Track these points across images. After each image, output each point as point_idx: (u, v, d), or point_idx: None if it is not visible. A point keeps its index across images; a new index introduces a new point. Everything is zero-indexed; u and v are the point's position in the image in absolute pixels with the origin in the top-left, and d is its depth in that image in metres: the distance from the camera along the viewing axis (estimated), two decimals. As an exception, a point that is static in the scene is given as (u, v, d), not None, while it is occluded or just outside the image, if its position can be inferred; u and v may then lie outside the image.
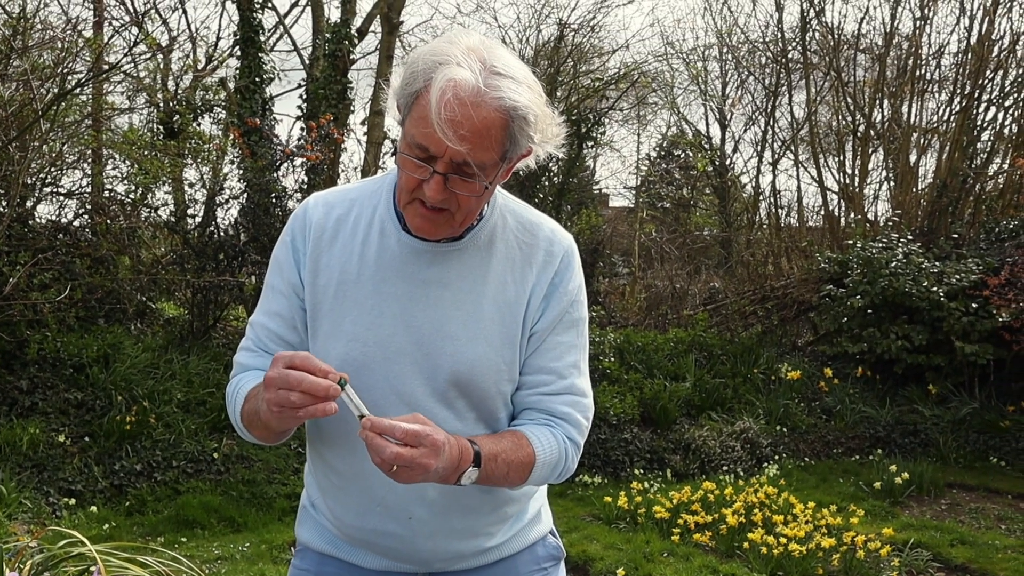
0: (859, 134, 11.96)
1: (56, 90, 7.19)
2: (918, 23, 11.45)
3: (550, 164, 12.13)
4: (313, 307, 1.68)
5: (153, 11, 12.11)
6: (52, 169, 7.81)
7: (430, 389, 1.63)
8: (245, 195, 8.31)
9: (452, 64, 1.45)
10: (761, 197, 15.29)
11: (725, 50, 16.52)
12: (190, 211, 8.62)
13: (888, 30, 11.82)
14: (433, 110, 1.42)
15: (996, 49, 10.81)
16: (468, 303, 1.65)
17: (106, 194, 8.75)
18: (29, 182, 7.27)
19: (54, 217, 7.96)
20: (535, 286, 1.68)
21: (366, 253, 1.66)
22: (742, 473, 7.24)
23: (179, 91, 13.29)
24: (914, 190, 11.28)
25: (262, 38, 11.28)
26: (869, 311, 8.56)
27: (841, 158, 12.17)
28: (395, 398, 1.62)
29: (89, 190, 8.63)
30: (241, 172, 8.66)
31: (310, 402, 1.40)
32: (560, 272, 1.70)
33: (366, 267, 1.65)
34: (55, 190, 8.02)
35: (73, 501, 5.62)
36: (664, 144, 20.86)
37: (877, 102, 11.88)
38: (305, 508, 1.87)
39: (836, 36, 12.29)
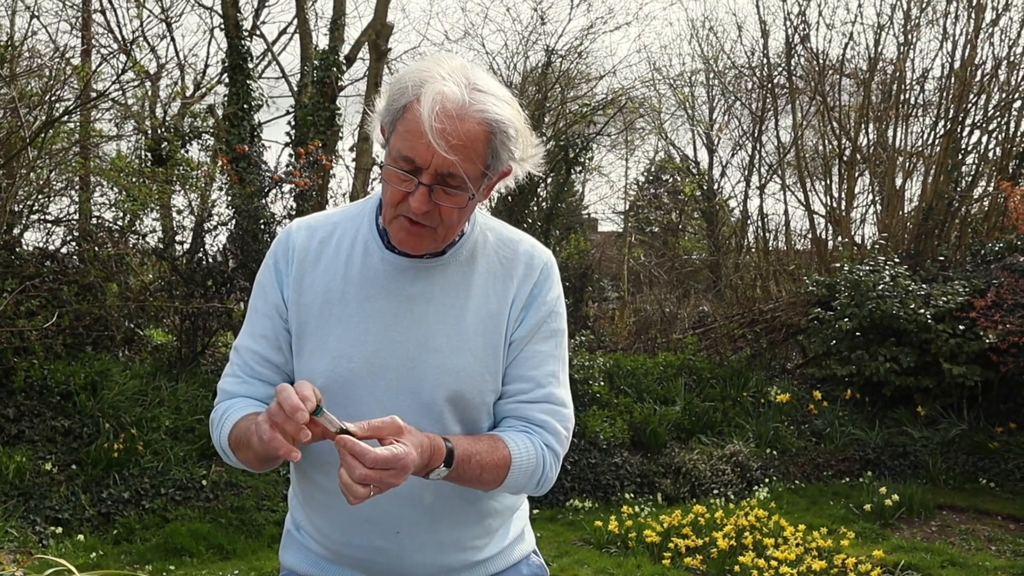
0: (845, 158, 12.05)
1: (44, 118, 7.20)
2: (902, 48, 11.58)
3: (539, 189, 12.18)
4: (298, 327, 1.70)
5: (141, 39, 12.16)
6: (39, 196, 7.79)
7: (416, 402, 1.66)
8: (233, 221, 8.30)
9: (438, 79, 1.52)
10: (749, 221, 15.35)
11: (711, 75, 16.64)
12: (178, 238, 8.61)
13: (872, 55, 11.96)
14: (426, 121, 1.48)
15: (979, 74, 10.96)
16: (452, 317, 1.68)
17: (94, 221, 8.74)
18: (16, 209, 7.26)
19: (41, 244, 7.94)
20: (515, 297, 1.72)
21: (350, 272, 1.70)
22: (732, 496, 7.23)
23: (167, 118, 13.32)
24: (900, 213, 11.37)
25: (250, 65, 11.33)
26: (857, 334, 8.59)
27: (828, 182, 12.26)
28: (382, 412, 1.62)
29: (77, 217, 8.61)
30: (229, 199, 8.65)
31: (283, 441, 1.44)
32: (539, 283, 1.75)
33: (350, 285, 1.69)
34: (42, 217, 8.01)
35: (60, 530, 5.56)
36: (652, 169, 20.97)
37: (863, 126, 11.99)
38: (289, 532, 1.88)
39: (821, 61, 12.41)
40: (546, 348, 1.74)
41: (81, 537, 5.55)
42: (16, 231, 7.46)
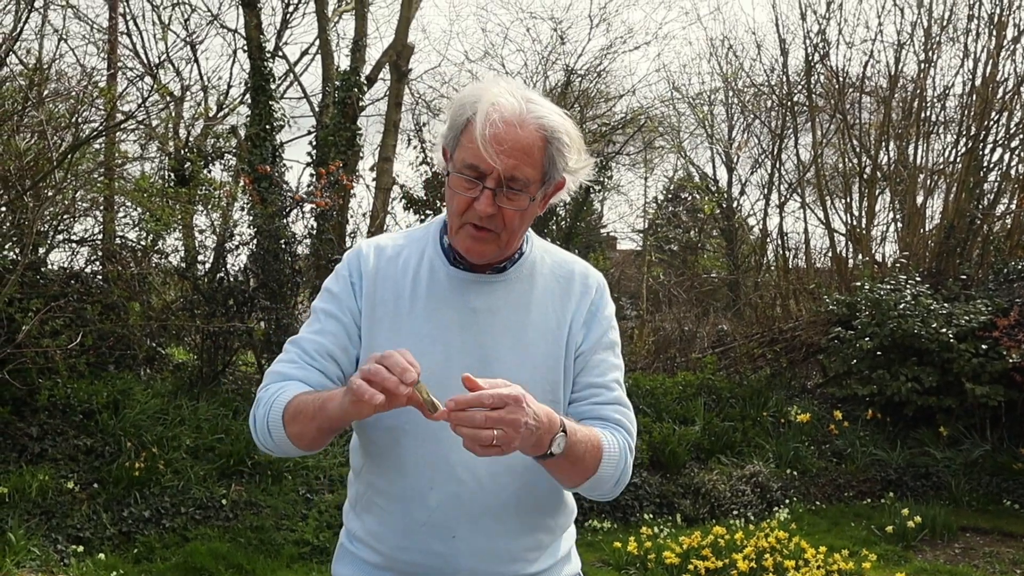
0: (865, 176, 11.99)
1: (71, 139, 7.29)
2: (922, 65, 11.54)
3: (558, 208, 12.19)
4: (368, 339, 1.79)
5: (167, 62, 12.32)
6: (65, 217, 7.89)
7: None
8: (255, 241, 8.37)
9: (496, 94, 1.66)
10: (768, 239, 15.30)
11: (731, 94, 16.66)
12: (200, 257, 8.68)
13: (893, 73, 11.91)
14: (478, 130, 1.61)
15: (1001, 91, 10.88)
16: (514, 330, 1.79)
17: (117, 241, 8.83)
18: (42, 230, 7.34)
19: (66, 264, 8.03)
20: (575, 313, 1.85)
21: (417, 288, 1.80)
22: (752, 517, 7.19)
23: (190, 139, 13.46)
24: (921, 231, 11.29)
25: (272, 86, 11.44)
26: (878, 353, 8.53)
27: (848, 200, 12.20)
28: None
29: (101, 237, 8.71)
30: (251, 218, 8.73)
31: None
32: (596, 301, 1.89)
33: (418, 300, 1.79)
34: (68, 237, 8.10)
35: (81, 548, 5.60)
36: (671, 187, 20.97)
37: (883, 144, 11.94)
38: (343, 545, 1.94)
39: (841, 79, 12.39)
40: (607, 357, 1.88)
41: (102, 556, 5.59)
42: (42, 251, 7.55)
